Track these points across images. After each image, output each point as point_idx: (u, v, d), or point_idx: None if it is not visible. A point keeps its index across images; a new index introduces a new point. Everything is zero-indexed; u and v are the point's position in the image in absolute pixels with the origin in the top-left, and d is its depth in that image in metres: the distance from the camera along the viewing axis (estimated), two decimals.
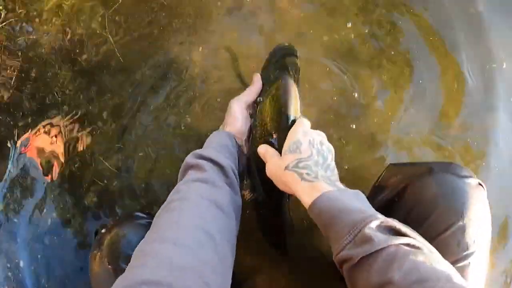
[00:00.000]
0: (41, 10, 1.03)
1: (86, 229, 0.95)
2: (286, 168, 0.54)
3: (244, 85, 0.92)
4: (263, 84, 0.72)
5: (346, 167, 0.90)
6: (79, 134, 0.97)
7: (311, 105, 0.93)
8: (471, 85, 0.94)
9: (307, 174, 0.52)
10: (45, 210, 0.96)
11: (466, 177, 0.56)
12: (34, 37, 1.02)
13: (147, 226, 0.52)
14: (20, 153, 0.98)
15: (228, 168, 0.58)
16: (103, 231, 0.66)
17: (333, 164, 0.57)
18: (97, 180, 0.95)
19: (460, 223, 0.51)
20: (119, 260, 0.59)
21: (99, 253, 0.62)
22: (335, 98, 0.93)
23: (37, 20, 1.03)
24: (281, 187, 0.58)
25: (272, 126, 0.65)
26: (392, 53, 0.95)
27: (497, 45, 0.95)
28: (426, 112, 0.93)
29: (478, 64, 0.95)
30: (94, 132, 0.97)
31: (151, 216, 0.62)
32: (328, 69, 0.94)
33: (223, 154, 0.60)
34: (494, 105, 0.94)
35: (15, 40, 1.02)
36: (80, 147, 0.97)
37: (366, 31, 0.96)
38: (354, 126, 0.92)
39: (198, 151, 0.60)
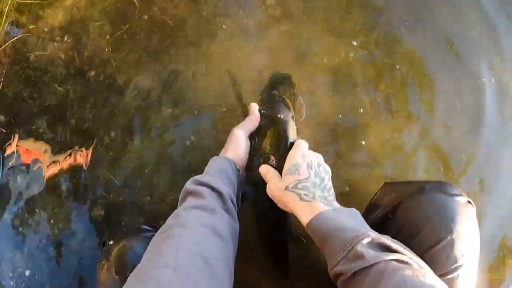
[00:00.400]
0: (52, 26, 1.06)
1: (92, 241, 0.97)
2: (286, 188, 0.59)
3: (242, 106, 0.97)
4: (261, 112, 0.76)
5: (347, 188, 0.92)
6: (85, 148, 1.00)
7: (311, 124, 0.96)
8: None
9: (305, 194, 0.57)
10: (52, 221, 0.99)
11: (456, 195, 0.59)
12: (44, 53, 1.05)
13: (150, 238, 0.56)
14: (26, 165, 1.01)
15: (226, 195, 0.61)
16: (110, 242, 0.68)
17: (330, 184, 0.61)
18: (104, 193, 0.98)
19: (449, 237, 0.55)
20: (126, 271, 0.61)
21: (106, 264, 0.64)
22: (339, 116, 0.96)
23: (47, 36, 1.06)
24: (281, 206, 0.62)
25: (271, 150, 0.70)
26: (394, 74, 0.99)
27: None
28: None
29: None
30: (100, 147, 1.00)
31: (156, 229, 0.64)
32: (328, 90, 0.98)
33: (222, 180, 0.63)
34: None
35: (26, 56, 1.05)
36: (86, 161, 0.99)
37: (366, 52, 0.99)
38: (362, 142, 0.95)
39: (197, 177, 0.63)
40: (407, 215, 0.60)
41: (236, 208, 0.64)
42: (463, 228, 0.56)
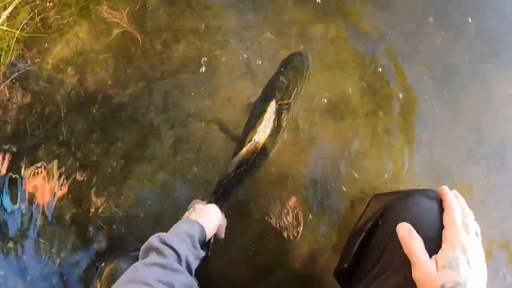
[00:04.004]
0: (57, 59, 1.10)
1: (94, 271, 0.96)
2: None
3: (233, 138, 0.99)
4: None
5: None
6: (87, 178, 1.01)
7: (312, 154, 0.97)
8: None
9: None
10: (53, 250, 1.00)
11: (435, 197, 0.60)
12: (49, 85, 1.09)
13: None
14: (29, 194, 1.04)
15: (184, 259, 0.62)
16: (102, 264, 0.70)
17: None
18: (106, 225, 0.98)
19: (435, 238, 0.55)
20: None
21: (99, 283, 0.67)
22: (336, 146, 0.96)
23: (52, 68, 1.10)
24: None
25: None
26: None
27: None
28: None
29: None
30: (102, 178, 1.01)
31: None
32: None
33: (186, 244, 0.64)
34: None
35: (30, 87, 1.09)
36: (90, 192, 1.01)
37: (365, 85, 0.99)
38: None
39: (163, 236, 0.64)
40: (395, 218, 0.59)
41: (193, 273, 0.65)
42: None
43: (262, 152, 0.89)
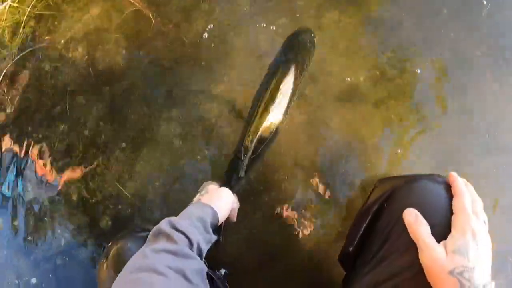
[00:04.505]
0: (68, 38, 1.10)
1: (99, 251, 0.99)
2: (451, 273, 0.51)
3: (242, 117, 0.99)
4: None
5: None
6: (96, 161, 1.02)
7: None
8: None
9: None
10: (59, 231, 1.01)
11: (442, 182, 0.59)
12: (59, 63, 1.09)
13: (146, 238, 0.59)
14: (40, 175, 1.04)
15: (196, 245, 0.61)
16: (109, 244, 0.71)
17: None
18: (113, 204, 0.99)
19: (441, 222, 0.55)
20: None
21: (106, 263, 0.67)
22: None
23: (62, 47, 1.09)
24: (430, 280, 0.55)
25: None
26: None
27: None
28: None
29: None
30: (111, 159, 1.02)
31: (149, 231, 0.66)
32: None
33: (198, 229, 0.63)
34: None
35: (40, 66, 1.09)
36: (98, 174, 1.02)
37: (378, 73, 0.98)
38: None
39: (173, 221, 0.62)
40: (401, 202, 0.59)
41: (203, 256, 0.64)
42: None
43: (272, 132, 0.90)
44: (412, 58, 0.96)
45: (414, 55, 0.96)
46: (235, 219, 0.84)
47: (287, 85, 0.93)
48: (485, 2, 0.96)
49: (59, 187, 1.02)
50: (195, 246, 0.60)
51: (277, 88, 0.92)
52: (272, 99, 0.92)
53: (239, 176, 0.89)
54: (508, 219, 0.89)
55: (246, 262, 0.92)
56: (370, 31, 0.98)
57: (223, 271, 0.86)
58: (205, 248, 0.64)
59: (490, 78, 0.95)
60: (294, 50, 0.97)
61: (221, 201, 0.74)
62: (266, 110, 0.92)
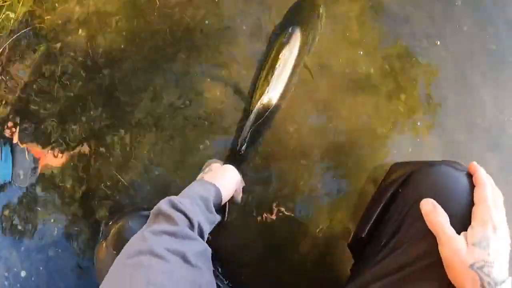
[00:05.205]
0: (68, 19, 1.06)
1: (92, 243, 0.95)
2: (471, 266, 0.49)
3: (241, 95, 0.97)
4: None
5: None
6: (94, 148, 0.99)
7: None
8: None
9: (488, 284, 0.49)
10: (52, 221, 0.97)
11: (463, 170, 0.58)
12: (58, 45, 1.05)
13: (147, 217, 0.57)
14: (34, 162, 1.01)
15: (196, 225, 0.59)
16: (110, 223, 0.67)
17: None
18: (110, 194, 0.96)
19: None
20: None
21: (105, 242, 0.64)
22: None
23: (61, 27, 1.05)
24: (449, 275, 0.53)
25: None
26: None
27: None
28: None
29: None
30: (109, 147, 0.98)
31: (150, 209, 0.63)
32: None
33: (200, 208, 0.61)
34: None
35: (38, 47, 1.05)
36: (95, 161, 0.98)
37: (387, 66, 0.97)
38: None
39: (174, 200, 0.59)
40: (418, 186, 0.57)
41: (205, 239, 0.61)
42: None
43: (275, 108, 0.88)
44: (422, 51, 0.96)
45: (426, 47, 0.96)
46: (239, 199, 0.81)
47: (288, 53, 0.92)
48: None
49: (54, 175, 0.98)
50: (195, 225, 0.58)
51: (277, 56, 0.91)
52: (272, 67, 0.90)
53: (241, 149, 0.86)
54: None
55: (249, 254, 0.89)
56: (382, 20, 0.99)
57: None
58: (207, 229, 0.61)
59: (502, 73, 0.95)
60: (298, 16, 0.96)
61: (224, 180, 0.71)
62: (267, 76, 0.90)
